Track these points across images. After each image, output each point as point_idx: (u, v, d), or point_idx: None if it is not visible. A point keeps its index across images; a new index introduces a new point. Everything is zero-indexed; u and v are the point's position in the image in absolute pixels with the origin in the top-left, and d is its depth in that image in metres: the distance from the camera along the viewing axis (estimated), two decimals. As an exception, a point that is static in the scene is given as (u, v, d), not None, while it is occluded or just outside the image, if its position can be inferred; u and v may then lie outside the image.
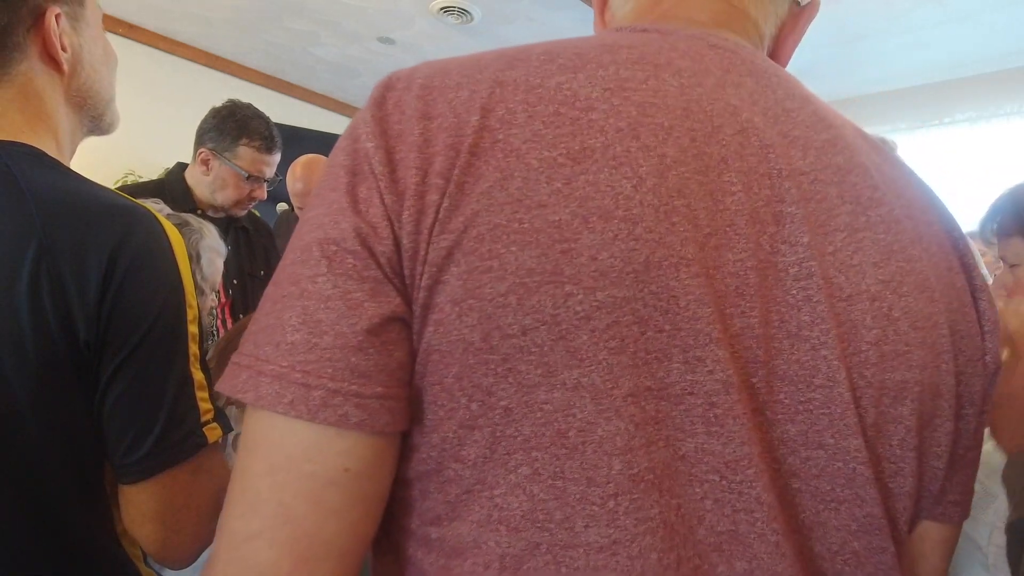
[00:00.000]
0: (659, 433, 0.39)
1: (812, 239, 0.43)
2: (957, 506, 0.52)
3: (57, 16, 0.73)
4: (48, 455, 0.67)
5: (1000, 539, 0.74)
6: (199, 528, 0.75)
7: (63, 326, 0.65)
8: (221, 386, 0.41)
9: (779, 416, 0.42)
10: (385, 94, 0.43)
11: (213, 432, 0.74)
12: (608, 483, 0.38)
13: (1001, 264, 0.94)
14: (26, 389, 0.65)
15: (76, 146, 0.81)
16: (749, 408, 0.41)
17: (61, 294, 0.64)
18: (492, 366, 0.38)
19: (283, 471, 0.38)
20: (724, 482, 0.40)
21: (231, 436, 1.28)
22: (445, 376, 0.39)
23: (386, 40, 3.51)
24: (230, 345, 1.36)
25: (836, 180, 0.45)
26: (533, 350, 0.38)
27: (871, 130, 1.74)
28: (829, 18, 3.03)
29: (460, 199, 0.38)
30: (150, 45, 3.51)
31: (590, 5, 2.95)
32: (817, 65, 3.45)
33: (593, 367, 0.38)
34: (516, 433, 0.38)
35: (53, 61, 0.74)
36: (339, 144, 0.43)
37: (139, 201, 0.74)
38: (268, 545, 0.37)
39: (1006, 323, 0.63)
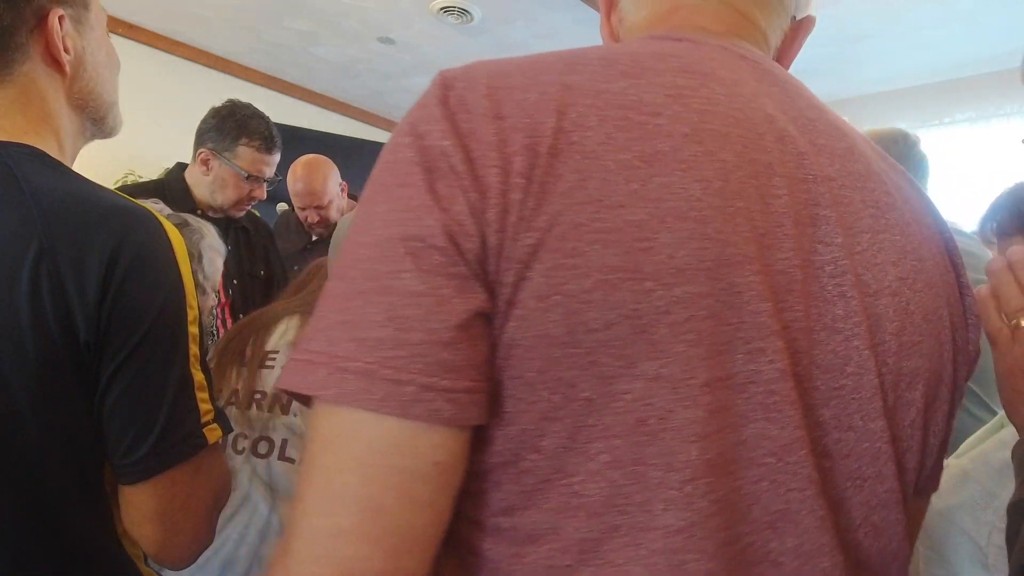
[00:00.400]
0: (725, 420, 0.42)
1: (844, 240, 0.47)
2: (934, 480, 0.58)
3: (60, 18, 0.74)
4: (48, 455, 0.67)
5: (1000, 539, 0.74)
6: (198, 529, 0.75)
7: (63, 327, 0.65)
8: (287, 384, 0.40)
9: (815, 401, 0.46)
10: (446, 93, 0.43)
11: (213, 433, 0.74)
12: (686, 468, 0.40)
13: None
14: (26, 389, 0.65)
15: (78, 149, 0.81)
16: (798, 394, 0.44)
17: (61, 295, 0.65)
18: (575, 359, 0.39)
19: (373, 466, 0.38)
20: (780, 464, 0.44)
21: (231, 437, 1.28)
22: (527, 370, 0.40)
23: (386, 40, 3.51)
24: (230, 345, 1.36)
25: (858, 186, 0.50)
26: (615, 343, 0.39)
27: (872, 128, 1.74)
28: (830, 18, 3.03)
29: (543, 198, 0.39)
30: (150, 45, 3.51)
31: (591, 5, 2.95)
32: (817, 65, 3.45)
33: (672, 358, 0.40)
34: (596, 422, 0.40)
35: (56, 63, 0.75)
36: (399, 141, 0.42)
37: (139, 202, 0.74)
38: (358, 540, 0.38)
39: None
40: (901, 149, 1.67)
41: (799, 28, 0.59)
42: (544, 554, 0.41)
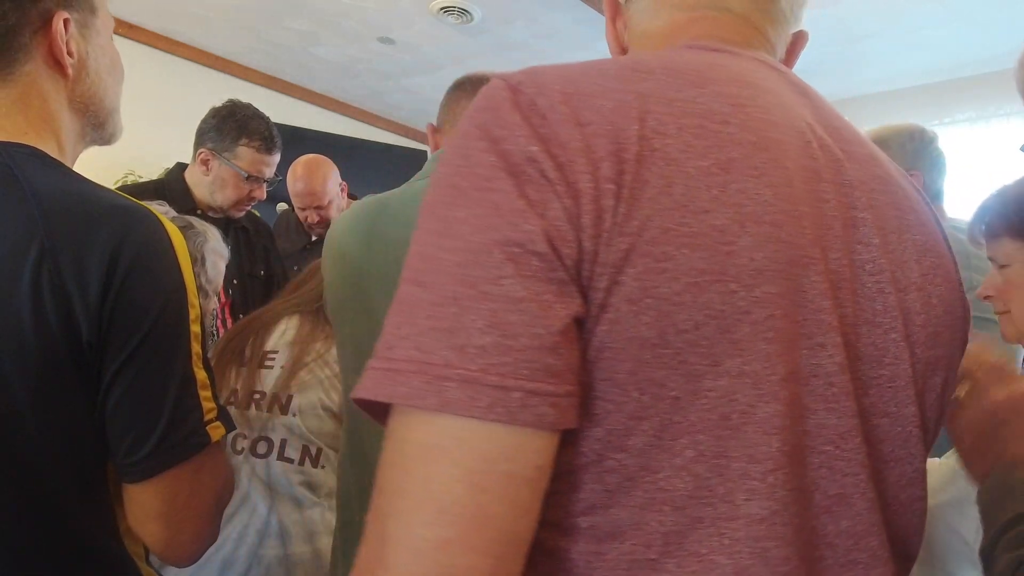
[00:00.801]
0: (797, 412, 0.45)
1: (879, 240, 0.51)
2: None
3: (66, 21, 0.74)
4: (48, 455, 0.67)
5: None
6: (202, 526, 0.75)
7: (65, 326, 0.65)
8: (369, 393, 0.39)
9: (857, 391, 0.49)
10: (516, 97, 0.43)
11: (216, 431, 0.74)
12: (767, 459, 0.43)
13: None
14: (27, 389, 0.65)
15: (78, 152, 0.82)
16: (853, 386, 0.48)
17: (63, 294, 0.65)
18: (665, 359, 0.41)
19: (479, 474, 0.38)
20: (837, 451, 0.47)
21: (230, 437, 1.28)
22: (617, 371, 0.41)
23: (386, 40, 3.51)
24: (229, 345, 1.36)
25: (883, 189, 0.53)
26: (702, 343, 0.41)
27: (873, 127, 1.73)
28: (830, 18, 3.03)
29: (633, 204, 0.41)
30: (150, 45, 3.51)
31: (591, 5, 2.96)
32: (818, 65, 3.45)
33: (753, 356, 0.42)
34: (682, 419, 0.41)
35: (58, 65, 0.75)
36: (472, 145, 0.42)
37: (143, 203, 0.74)
38: (465, 550, 0.37)
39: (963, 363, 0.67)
40: (917, 146, 1.64)
41: (797, 42, 0.62)
42: (626, 550, 0.42)
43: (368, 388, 0.40)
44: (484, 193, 0.40)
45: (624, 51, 0.63)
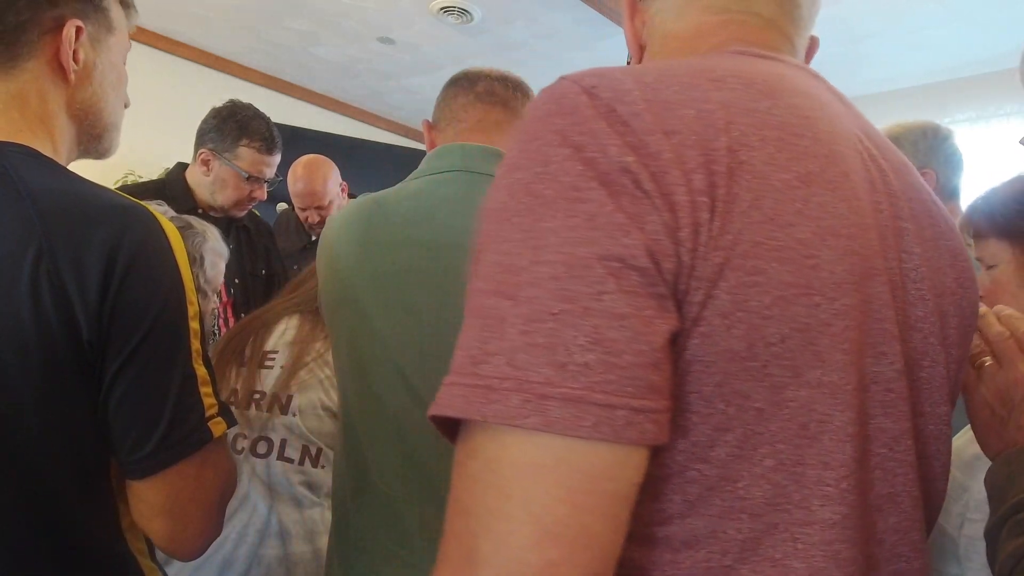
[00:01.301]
0: (862, 419, 0.46)
1: (920, 249, 0.53)
2: None
3: (78, 29, 0.76)
4: (50, 454, 0.68)
5: (971, 530, 0.77)
6: (206, 521, 0.76)
7: (65, 326, 0.65)
8: (456, 411, 0.39)
9: (911, 395, 0.51)
10: (594, 101, 0.42)
11: (218, 427, 0.74)
12: (841, 466, 0.44)
13: None
14: (29, 389, 0.65)
15: (72, 158, 0.82)
16: (909, 391, 0.50)
17: (62, 294, 0.65)
18: (752, 372, 0.41)
19: (583, 493, 0.37)
20: (891, 453, 0.49)
21: (230, 436, 1.28)
22: (705, 384, 0.41)
23: (386, 40, 3.52)
24: (230, 345, 1.36)
25: (918, 198, 0.55)
26: (787, 355, 0.42)
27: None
28: (831, 18, 3.03)
29: (727, 218, 0.40)
30: (150, 45, 3.51)
31: (591, 5, 2.95)
32: (818, 65, 3.43)
33: (831, 366, 0.43)
34: (764, 430, 0.42)
35: (62, 69, 0.76)
36: (552, 151, 0.41)
37: (141, 202, 0.74)
38: (570, 570, 0.37)
39: (987, 328, 0.66)
40: (930, 143, 1.61)
41: (811, 47, 0.63)
42: (702, 558, 0.42)
43: (454, 406, 0.39)
44: (574, 204, 0.39)
45: (643, 49, 0.62)
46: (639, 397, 0.37)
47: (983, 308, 0.65)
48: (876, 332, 0.47)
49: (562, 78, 0.44)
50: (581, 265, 0.38)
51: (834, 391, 0.43)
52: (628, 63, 0.74)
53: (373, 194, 1.01)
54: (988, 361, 0.66)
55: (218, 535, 0.79)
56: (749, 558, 0.42)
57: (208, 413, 0.73)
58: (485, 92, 1.04)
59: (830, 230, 0.44)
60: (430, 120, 1.09)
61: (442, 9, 3.12)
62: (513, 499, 0.37)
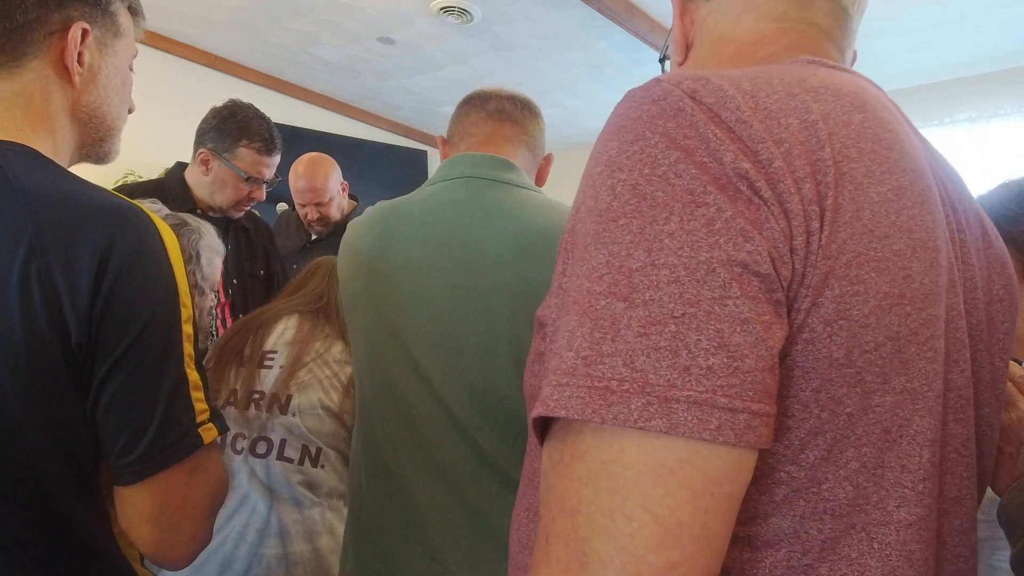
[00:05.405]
0: (938, 425, 0.47)
1: (976, 259, 0.54)
2: None
3: (84, 32, 0.76)
4: (43, 456, 0.67)
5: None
6: (196, 529, 0.74)
7: (54, 327, 0.64)
8: (578, 413, 0.38)
9: (976, 401, 0.53)
10: (697, 105, 0.42)
11: (209, 432, 0.73)
12: (919, 469, 0.45)
13: None
14: (18, 391, 0.64)
15: (73, 161, 0.81)
16: (974, 397, 0.51)
17: (52, 295, 0.64)
18: (847, 378, 0.42)
19: (705, 495, 0.38)
20: (959, 457, 0.50)
21: (229, 437, 1.28)
22: (803, 389, 0.42)
23: (386, 40, 3.51)
24: (229, 345, 1.36)
25: (971, 207, 0.56)
26: (878, 362, 0.43)
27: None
28: (829, 18, 3.02)
29: (833, 227, 0.41)
30: (150, 45, 3.51)
31: (591, 5, 2.95)
32: (817, 65, 3.44)
33: (916, 373, 0.45)
34: (851, 433, 0.43)
35: (66, 70, 0.76)
36: (660, 154, 0.41)
37: (135, 201, 0.74)
38: (690, 571, 0.37)
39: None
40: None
41: (852, 61, 0.63)
42: (782, 557, 0.43)
43: (570, 407, 0.38)
44: (691, 207, 0.39)
45: (689, 48, 0.62)
46: (758, 401, 0.38)
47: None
48: (952, 340, 0.49)
49: (657, 80, 0.44)
50: (703, 269, 0.38)
51: (915, 397, 0.45)
52: (663, 59, 0.74)
53: (391, 200, 1.13)
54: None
55: (208, 543, 0.77)
56: (828, 557, 0.43)
57: (199, 419, 0.72)
58: (496, 110, 1.13)
59: (920, 242, 0.45)
60: (444, 136, 1.19)
61: (442, 9, 3.12)
62: (632, 501, 0.37)
